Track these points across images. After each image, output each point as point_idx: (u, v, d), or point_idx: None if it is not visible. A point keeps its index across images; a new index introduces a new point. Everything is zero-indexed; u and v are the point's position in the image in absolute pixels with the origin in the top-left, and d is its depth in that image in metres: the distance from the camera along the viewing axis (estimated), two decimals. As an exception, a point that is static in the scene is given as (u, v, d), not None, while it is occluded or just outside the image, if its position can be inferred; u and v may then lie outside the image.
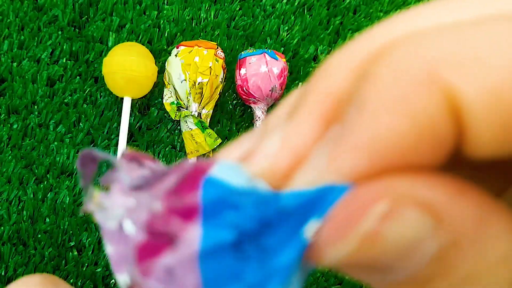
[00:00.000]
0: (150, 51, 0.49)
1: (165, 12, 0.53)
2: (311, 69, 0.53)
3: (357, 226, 0.07)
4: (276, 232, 0.08)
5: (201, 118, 0.47)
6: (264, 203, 0.08)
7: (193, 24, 0.53)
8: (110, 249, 0.09)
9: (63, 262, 0.46)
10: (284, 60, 0.49)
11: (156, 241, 0.08)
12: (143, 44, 0.50)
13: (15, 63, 0.50)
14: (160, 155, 0.50)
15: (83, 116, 0.50)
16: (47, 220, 0.47)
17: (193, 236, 0.08)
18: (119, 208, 0.09)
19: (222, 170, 0.08)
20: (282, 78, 0.48)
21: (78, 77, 0.51)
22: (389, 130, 0.07)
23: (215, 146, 0.47)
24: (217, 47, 0.48)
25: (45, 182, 0.48)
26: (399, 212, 0.07)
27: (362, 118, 0.07)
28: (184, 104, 0.47)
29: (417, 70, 0.07)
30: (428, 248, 0.07)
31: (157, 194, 0.08)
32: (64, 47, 0.51)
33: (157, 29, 0.52)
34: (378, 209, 0.07)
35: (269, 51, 0.48)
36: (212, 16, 0.54)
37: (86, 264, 0.47)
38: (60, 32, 0.51)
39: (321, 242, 0.07)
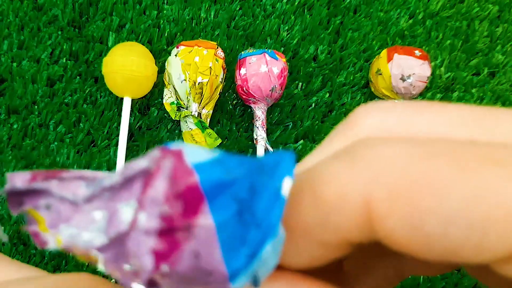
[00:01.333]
0: (150, 51, 0.49)
1: (165, 12, 0.53)
2: (311, 69, 0.53)
3: None
4: (262, 195, 0.09)
5: (201, 118, 0.47)
6: (251, 169, 0.09)
7: (193, 24, 0.53)
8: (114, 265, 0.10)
9: (63, 262, 0.46)
10: (284, 60, 0.49)
11: (171, 237, 0.09)
12: (143, 44, 0.50)
13: (15, 63, 0.50)
14: (160, 155, 0.49)
15: (83, 116, 0.50)
16: (47, 220, 0.47)
17: (206, 220, 0.09)
18: (94, 223, 0.10)
19: (191, 153, 0.09)
20: (282, 78, 0.48)
21: (78, 77, 0.51)
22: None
23: (215, 146, 0.47)
24: (217, 47, 0.48)
25: (45, 182, 0.48)
26: None
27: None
28: (184, 104, 0.47)
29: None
30: None
31: (156, 200, 0.09)
32: (64, 47, 0.51)
33: (157, 29, 0.52)
34: None
35: (269, 51, 0.48)
36: (212, 16, 0.54)
37: (87, 264, 0.47)
38: (60, 32, 0.51)
39: None
